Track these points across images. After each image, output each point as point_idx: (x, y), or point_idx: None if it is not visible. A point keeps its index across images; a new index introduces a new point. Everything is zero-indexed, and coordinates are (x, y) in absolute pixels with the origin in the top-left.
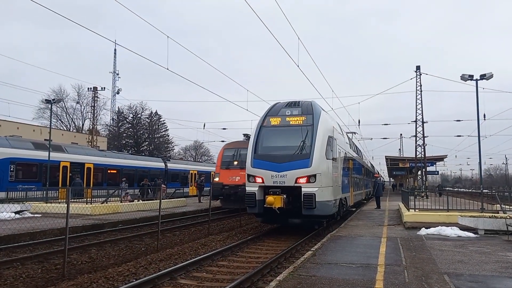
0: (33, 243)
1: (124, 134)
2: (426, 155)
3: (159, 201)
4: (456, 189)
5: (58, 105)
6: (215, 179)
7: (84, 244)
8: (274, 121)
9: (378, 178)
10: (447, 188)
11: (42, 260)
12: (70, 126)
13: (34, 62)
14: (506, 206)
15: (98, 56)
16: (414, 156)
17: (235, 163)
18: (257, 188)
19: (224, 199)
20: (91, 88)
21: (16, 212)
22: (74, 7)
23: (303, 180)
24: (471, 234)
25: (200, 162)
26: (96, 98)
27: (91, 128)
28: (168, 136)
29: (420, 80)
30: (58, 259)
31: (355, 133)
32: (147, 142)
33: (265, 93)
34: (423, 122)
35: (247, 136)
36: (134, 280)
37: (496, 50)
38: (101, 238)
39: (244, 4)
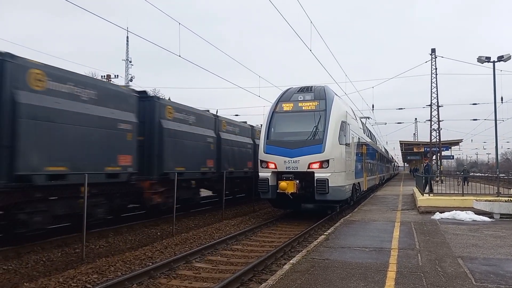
0: (53, 228)
1: None
2: (441, 140)
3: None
4: (472, 173)
5: None
6: None
7: (102, 229)
8: (287, 106)
9: (427, 163)
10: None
11: (61, 245)
12: None
13: (48, 50)
14: None
15: (110, 44)
16: (429, 141)
17: None
18: (270, 173)
19: None
20: (104, 76)
21: None
22: None
23: (316, 166)
24: (486, 219)
25: None
26: None
27: None
28: None
29: (435, 63)
30: (77, 243)
31: (369, 118)
32: None
33: (278, 79)
34: (438, 106)
35: None
36: (151, 263)
37: None
38: (118, 223)
39: None
